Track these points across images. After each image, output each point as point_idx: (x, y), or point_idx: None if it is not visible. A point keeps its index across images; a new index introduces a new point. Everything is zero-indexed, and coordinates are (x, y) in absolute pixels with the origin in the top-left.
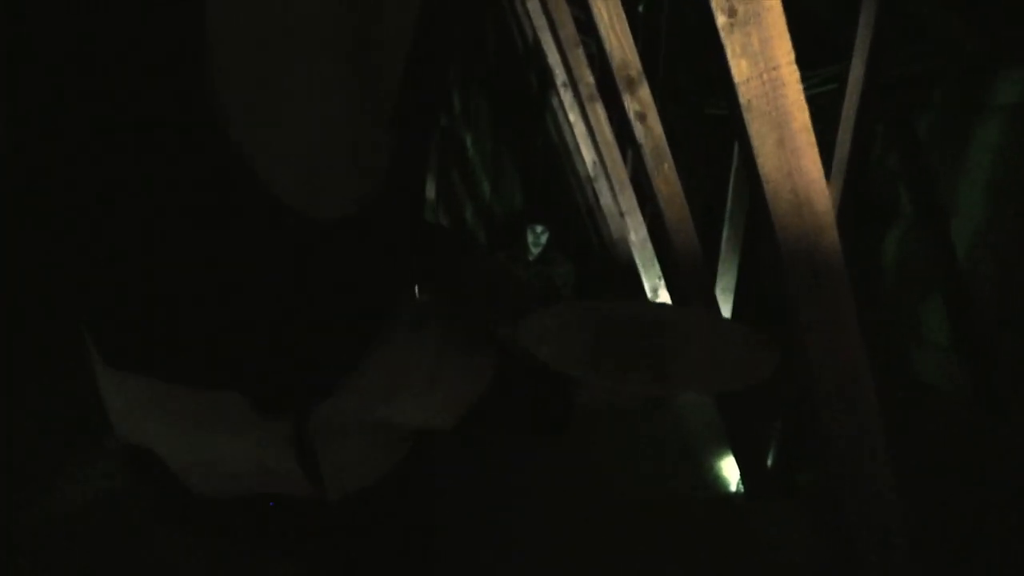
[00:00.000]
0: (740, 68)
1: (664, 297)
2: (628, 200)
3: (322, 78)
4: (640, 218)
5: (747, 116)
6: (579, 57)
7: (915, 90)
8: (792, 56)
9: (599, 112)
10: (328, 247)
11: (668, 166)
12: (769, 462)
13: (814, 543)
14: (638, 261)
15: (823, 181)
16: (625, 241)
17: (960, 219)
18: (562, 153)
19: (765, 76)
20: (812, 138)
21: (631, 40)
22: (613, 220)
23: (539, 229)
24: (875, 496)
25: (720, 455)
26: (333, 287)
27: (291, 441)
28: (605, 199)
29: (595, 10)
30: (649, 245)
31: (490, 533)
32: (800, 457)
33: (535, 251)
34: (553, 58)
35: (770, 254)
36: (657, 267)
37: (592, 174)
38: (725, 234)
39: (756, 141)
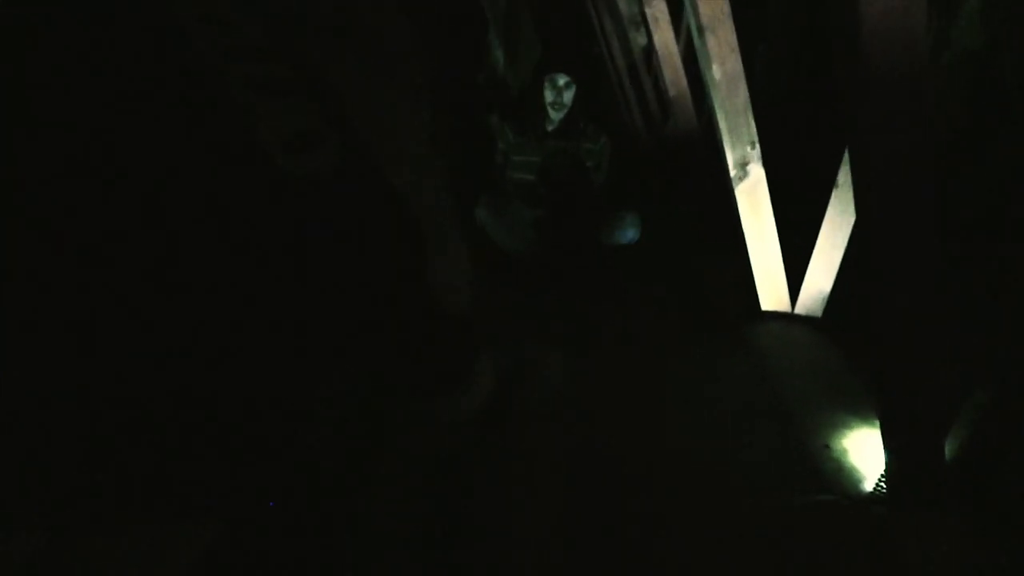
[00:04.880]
0: None
1: (757, 175)
2: (712, 5)
3: None
4: (731, 37)
5: None
6: None
7: None
8: None
9: None
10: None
11: None
12: (949, 453)
13: None
14: (719, 115)
15: None
16: (686, 97)
17: None
18: None
19: None
20: None
21: None
22: (670, 65)
23: (561, 81)
24: None
25: (842, 430)
26: None
27: None
28: (661, 32)
29: None
30: (742, 86)
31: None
32: (1008, 453)
33: (556, 116)
34: None
35: None
36: (751, 125)
37: None
38: None
39: None
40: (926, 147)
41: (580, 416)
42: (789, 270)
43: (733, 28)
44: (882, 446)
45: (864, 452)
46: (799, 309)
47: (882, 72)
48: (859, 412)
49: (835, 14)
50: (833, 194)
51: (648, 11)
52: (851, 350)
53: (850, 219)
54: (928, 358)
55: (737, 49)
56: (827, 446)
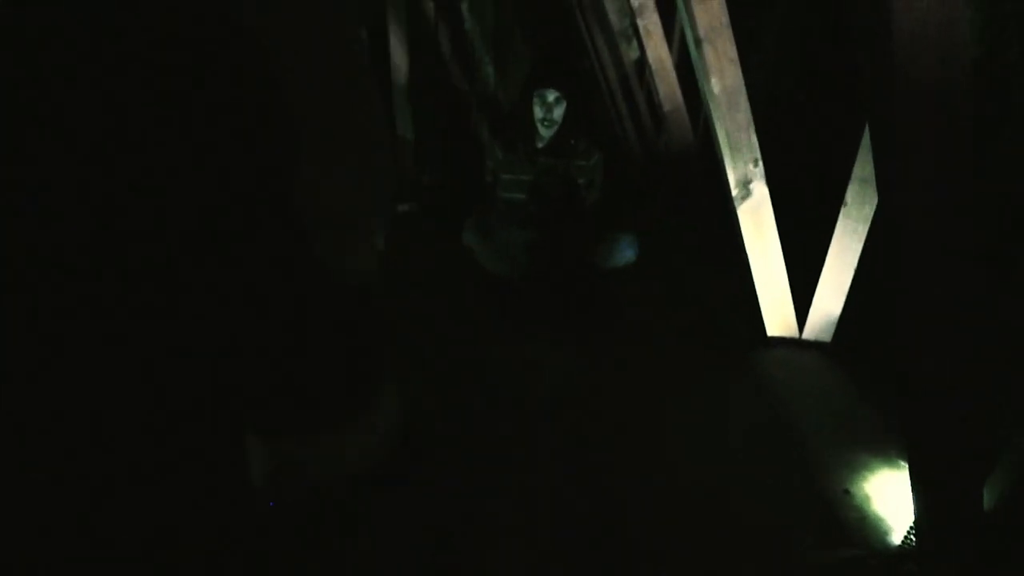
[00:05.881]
0: None
1: (761, 193)
2: (709, 10)
3: None
4: (730, 49)
5: None
6: None
7: None
8: None
9: None
10: None
11: None
12: (988, 503)
13: None
14: (719, 131)
15: None
16: (682, 112)
17: None
18: (586, 6)
19: None
20: None
21: None
22: (664, 79)
23: (551, 97)
24: None
25: (863, 472)
26: None
27: None
28: (655, 45)
29: None
30: (743, 100)
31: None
32: None
33: (546, 133)
34: None
35: None
36: (753, 142)
37: (636, 5)
38: None
39: None
40: (965, 162)
41: (573, 452)
42: (796, 292)
43: (732, 39)
44: (910, 493)
45: (889, 499)
46: (807, 334)
47: (917, 84)
48: (880, 452)
49: (860, 17)
50: (841, 212)
51: (640, 23)
52: (864, 379)
53: (860, 239)
54: (964, 393)
55: (737, 61)
56: (847, 491)
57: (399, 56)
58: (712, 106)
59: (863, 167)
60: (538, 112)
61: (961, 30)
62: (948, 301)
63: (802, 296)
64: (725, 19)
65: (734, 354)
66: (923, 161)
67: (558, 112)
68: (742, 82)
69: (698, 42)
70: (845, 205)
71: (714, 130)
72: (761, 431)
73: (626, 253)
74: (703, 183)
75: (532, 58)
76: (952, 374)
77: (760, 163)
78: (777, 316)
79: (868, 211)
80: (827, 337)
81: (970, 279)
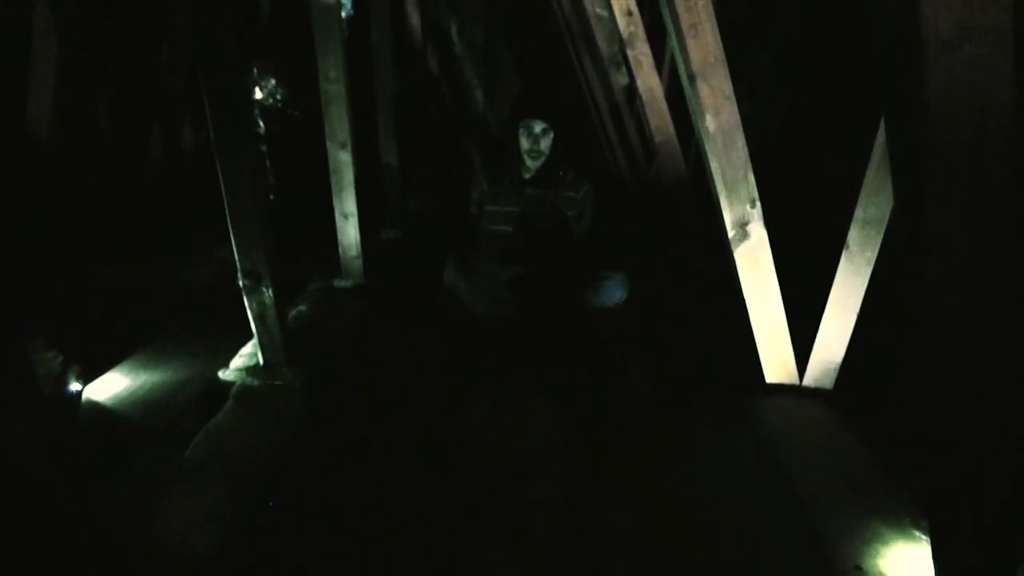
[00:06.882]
0: None
1: (759, 236)
2: (703, 45)
3: None
4: (726, 85)
5: None
6: None
7: None
8: None
9: None
10: None
11: None
12: None
13: None
14: (715, 170)
15: None
16: (673, 143)
17: None
18: (575, 32)
19: None
20: None
21: None
22: (655, 110)
23: (538, 128)
24: None
25: (875, 546)
26: None
27: None
28: (645, 76)
29: None
30: (740, 138)
31: None
32: None
33: (533, 164)
34: None
35: None
36: (751, 181)
37: (625, 35)
38: None
39: None
40: (1006, 218)
41: (560, 510)
42: (795, 337)
43: (728, 75)
44: (932, 573)
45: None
46: (807, 381)
47: (950, 137)
48: (894, 521)
49: (887, 69)
50: (843, 255)
51: (631, 53)
52: (870, 432)
53: (863, 283)
54: (998, 454)
55: (733, 98)
56: (859, 568)
57: (384, 76)
58: (707, 145)
59: (865, 208)
60: (524, 143)
61: (1004, 71)
62: (983, 354)
63: (802, 341)
64: (720, 54)
65: (732, 402)
66: (957, 217)
67: (545, 143)
68: (738, 120)
69: (692, 78)
70: (847, 248)
71: (709, 170)
72: (763, 495)
73: (616, 292)
74: (696, 215)
75: (521, 83)
76: (983, 431)
77: (758, 204)
78: (776, 362)
79: (871, 254)
80: (828, 384)
81: (1010, 334)
